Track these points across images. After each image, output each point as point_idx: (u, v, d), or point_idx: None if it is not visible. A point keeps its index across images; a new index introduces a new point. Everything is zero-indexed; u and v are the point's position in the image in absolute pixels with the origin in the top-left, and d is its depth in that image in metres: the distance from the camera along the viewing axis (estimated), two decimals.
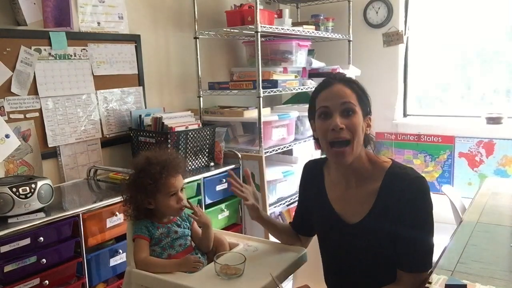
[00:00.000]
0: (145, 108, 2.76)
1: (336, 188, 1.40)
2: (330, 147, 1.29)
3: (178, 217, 1.54)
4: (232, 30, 2.87)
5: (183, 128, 2.52)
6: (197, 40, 2.91)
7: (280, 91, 2.86)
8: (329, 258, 1.47)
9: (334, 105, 1.28)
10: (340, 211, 1.37)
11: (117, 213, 2.01)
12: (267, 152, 2.75)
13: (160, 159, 1.46)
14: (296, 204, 1.95)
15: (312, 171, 1.52)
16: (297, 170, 2.96)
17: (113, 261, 2.03)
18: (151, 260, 1.43)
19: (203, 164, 2.66)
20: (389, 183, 1.30)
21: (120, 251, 2.04)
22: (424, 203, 1.27)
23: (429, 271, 1.30)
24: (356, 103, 1.29)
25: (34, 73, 2.21)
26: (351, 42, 3.54)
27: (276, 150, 2.85)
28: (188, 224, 1.55)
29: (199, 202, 2.46)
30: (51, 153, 2.32)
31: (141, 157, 1.50)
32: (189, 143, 2.55)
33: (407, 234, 1.25)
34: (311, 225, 1.53)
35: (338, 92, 1.29)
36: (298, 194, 1.61)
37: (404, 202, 1.26)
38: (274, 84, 2.79)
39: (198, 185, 2.46)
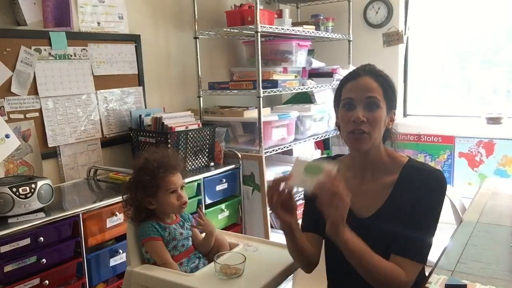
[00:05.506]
0: (145, 108, 2.76)
1: (351, 183, 1.36)
2: (349, 134, 1.31)
3: (180, 218, 1.54)
4: (232, 30, 2.87)
5: (183, 128, 2.52)
6: (197, 40, 2.91)
7: (280, 91, 2.86)
8: (335, 255, 1.44)
9: (359, 97, 1.28)
10: (353, 205, 1.32)
11: (117, 213, 2.01)
12: (267, 152, 2.75)
13: (157, 157, 1.49)
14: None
15: None
16: None
17: (113, 261, 2.03)
18: (176, 267, 1.44)
19: (203, 164, 2.66)
20: (407, 175, 1.30)
21: (120, 251, 2.03)
22: (437, 195, 1.27)
23: (422, 267, 1.27)
24: (382, 97, 1.29)
25: (34, 73, 2.21)
26: (351, 42, 3.54)
27: (276, 150, 2.85)
28: (189, 224, 1.56)
29: (199, 202, 2.46)
30: (51, 153, 2.32)
31: (139, 157, 1.53)
32: (189, 143, 2.55)
33: (410, 219, 1.25)
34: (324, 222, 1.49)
35: (364, 85, 1.29)
36: (303, 196, 1.49)
37: (420, 192, 1.26)
38: (274, 84, 2.79)
39: (198, 185, 2.45)
